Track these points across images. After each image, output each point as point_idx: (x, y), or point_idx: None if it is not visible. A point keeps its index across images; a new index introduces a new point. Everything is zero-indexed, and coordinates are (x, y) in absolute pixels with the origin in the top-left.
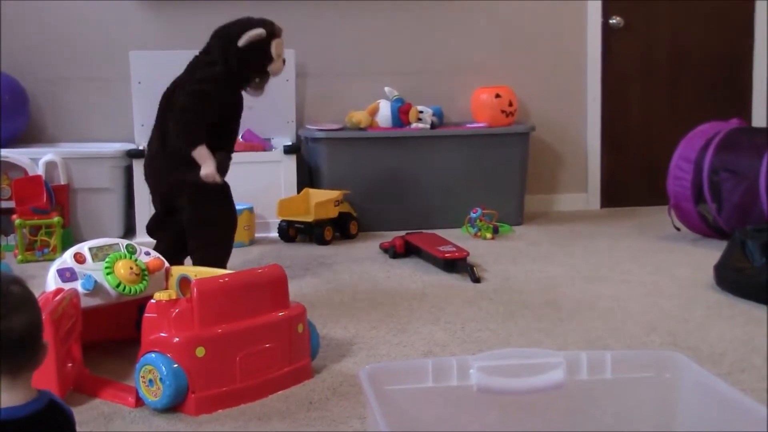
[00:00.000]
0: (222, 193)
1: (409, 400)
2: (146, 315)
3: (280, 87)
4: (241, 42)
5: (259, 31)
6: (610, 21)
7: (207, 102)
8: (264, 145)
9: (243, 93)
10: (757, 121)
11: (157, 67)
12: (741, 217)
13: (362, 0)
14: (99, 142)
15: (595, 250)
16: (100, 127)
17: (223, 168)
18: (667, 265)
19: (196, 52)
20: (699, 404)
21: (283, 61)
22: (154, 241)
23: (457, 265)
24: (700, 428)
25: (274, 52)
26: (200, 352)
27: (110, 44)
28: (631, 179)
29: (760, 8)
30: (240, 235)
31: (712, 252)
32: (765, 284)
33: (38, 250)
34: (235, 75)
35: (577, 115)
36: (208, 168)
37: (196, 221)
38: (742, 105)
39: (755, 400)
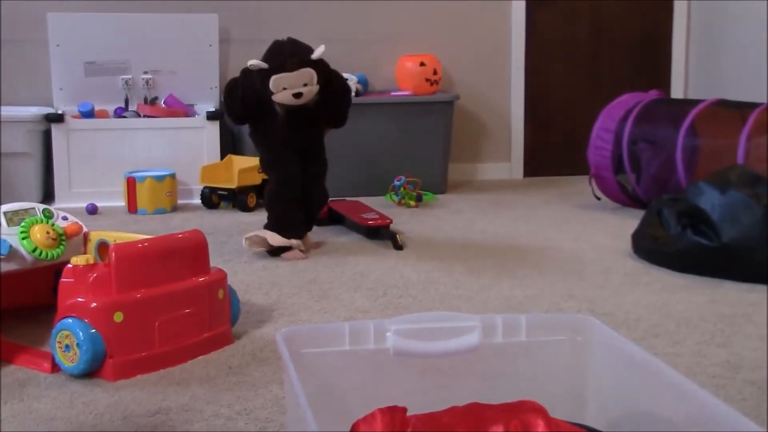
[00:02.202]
0: None
1: (326, 363)
2: (63, 280)
3: (204, 52)
4: (249, 64)
5: (259, 64)
6: None
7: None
8: (187, 111)
9: None
10: (676, 92)
11: (76, 29)
12: (659, 187)
13: None
14: (16, 106)
15: (516, 218)
16: (17, 90)
17: None
18: (587, 233)
19: (116, 15)
20: (610, 366)
21: (297, 95)
22: (72, 206)
23: (380, 232)
24: (610, 389)
25: (273, 86)
26: (118, 317)
27: (27, 6)
28: (553, 149)
29: None
30: (162, 201)
31: (630, 221)
32: (679, 252)
33: None
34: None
35: (501, 85)
36: None
37: None
38: (662, 77)
39: (666, 363)
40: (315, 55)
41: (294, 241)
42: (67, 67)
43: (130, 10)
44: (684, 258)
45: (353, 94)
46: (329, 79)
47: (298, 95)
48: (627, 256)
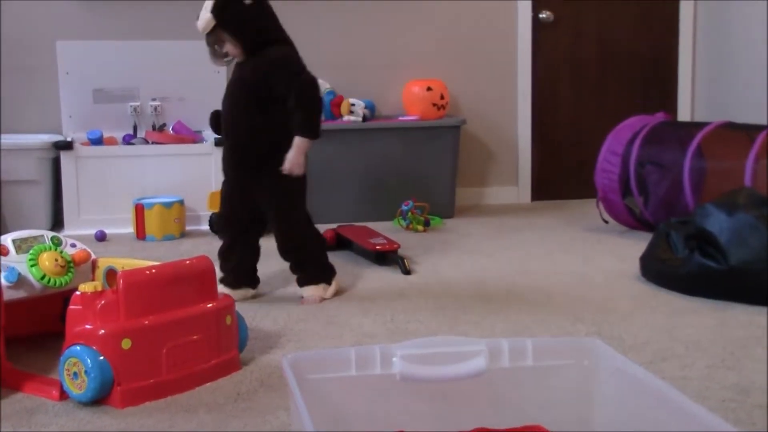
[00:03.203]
0: None
1: (333, 388)
2: (71, 307)
3: (211, 79)
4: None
5: None
6: (540, 15)
7: None
8: (195, 137)
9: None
10: (683, 115)
11: (85, 57)
12: (666, 210)
13: None
14: (26, 134)
15: (524, 242)
16: (27, 118)
17: None
18: (595, 256)
19: (125, 43)
20: (617, 390)
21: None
22: (81, 233)
23: (387, 257)
24: (618, 413)
25: None
26: (126, 344)
27: (38, 34)
28: (560, 173)
29: (684, 7)
30: (170, 227)
31: (638, 243)
32: (687, 275)
33: None
34: None
35: (508, 108)
36: None
37: None
38: (668, 100)
39: (675, 387)
40: None
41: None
42: (76, 95)
43: (139, 37)
44: (692, 281)
45: (360, 118)
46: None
47: (199, 17)
48: (635, 280)
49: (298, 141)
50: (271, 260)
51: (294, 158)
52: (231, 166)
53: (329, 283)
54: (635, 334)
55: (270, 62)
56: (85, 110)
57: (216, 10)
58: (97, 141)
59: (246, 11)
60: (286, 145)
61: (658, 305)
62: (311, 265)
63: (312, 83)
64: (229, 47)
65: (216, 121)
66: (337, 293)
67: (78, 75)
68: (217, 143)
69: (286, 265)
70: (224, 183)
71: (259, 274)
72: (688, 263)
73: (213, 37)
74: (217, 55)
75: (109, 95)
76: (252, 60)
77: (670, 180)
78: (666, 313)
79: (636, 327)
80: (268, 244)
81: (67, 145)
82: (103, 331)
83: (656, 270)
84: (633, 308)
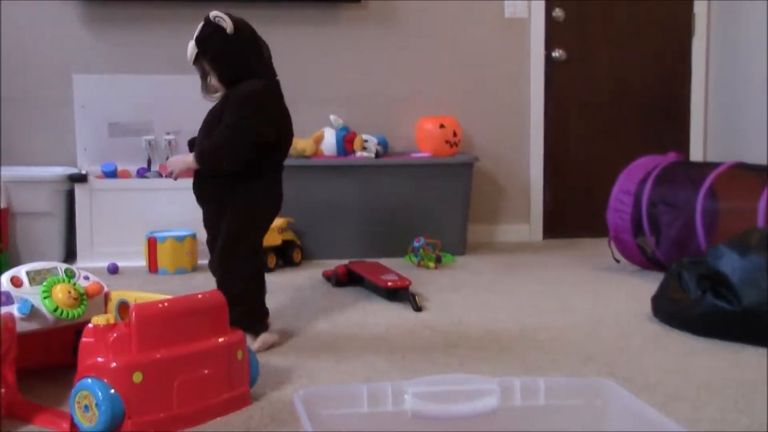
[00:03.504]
0: None
1: (345, 425)
2: (83, 339)
3: None
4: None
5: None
6: (553, 54)
7: None
8: None
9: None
10: (695, 155)
11: (100, 91)
12: (678, 250)
13: (308, 28)
14: (41, 166)
15: (536, 281)
16: (42, 151)
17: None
18: (606, 296)
19: (140, 77)
20: (629, 430)
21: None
22: (94, 266)
23: (399, 293)
24: None
25: None
26: (137, 377)
27: (53, 67)
28: (573, 211)
29: (697, 47)
30: (183, 261)
31: (650, 283)
32: (700, 316)
33: None
34: None
35: (521, 146)
36: None
37: None
38: (681, 140)
39: (687, 429)
40: (209, 16)
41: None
42: (91, 128)
43: (154, 71)
44: (704, 322)
45: (372, 155)
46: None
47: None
48: (647, 320)
49: (193, 154)
50: (280, 294)
51: (175, 160)
52: (196, 194)
53: (253, 333)
54: (647, 375)
55: (234, 93)
56: (100, 143)
57: (198, 39)
58: (112, 174)
59: (226, 42)
60: (247, 177)
61: (670, 346)
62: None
63: (244, 128)
64: (213, 79)
65: (192, 147)
66: (272, 347)
67: (93, 108)
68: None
69: (297, 297)
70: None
71: (268, 306)
72: (701, 304)
73: (199, 68)
74: (208, 90)
75: (124, 129)
76: (226, 92)
77: (682, 220)
78: (678, 353)
79: (648, 368)
80: (279, 279)
81: (82, 178)
82: (114, 364)
83: (668, 310)
84: (645, 349)
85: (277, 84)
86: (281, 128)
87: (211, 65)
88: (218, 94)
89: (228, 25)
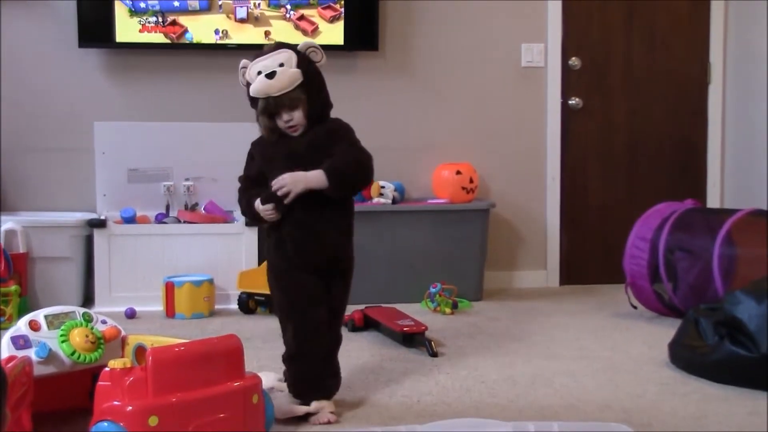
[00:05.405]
0: None
1: None
2: (100, 383)
3: (243, 160)
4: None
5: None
6: (569, 102)
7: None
8: (226, 217)
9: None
10: (712, 202)
11: (121, 137)
12: (696, 296)
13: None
14: (60, 212)
15: (552, 327)
16: (61, 196)
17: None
18: (623, 342)
19: (160, 124)
20: None
21: (270, 75)
22: (111, 310)
23: (415, 339)
24: None
25: (249, 75)
26: (153, 421)
27: (75, 115)
28: (590, 257)
29: (713, 95)
30: (200, 306)
31: (667, 330)
32: (717, 362)
33: None
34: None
35: (537, 192)
36: None
37: None
38: (697, 187)
39: None
40: (300, 46)
41: (323, 403)
42: (111, 174)
43: (173, 119)
44: (721, 368)
45: (389, 201)
46: (321, 101)
47: (270, 75)
48: (664, 366)
49: (317, 172)
50: None
51: (295, 178)
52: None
53: (305, 402)
54: (664, 422)
55: (330, 131)
56: (119, 189)
57: (303, 65)
58: (130, 219)
59: (320, 73)
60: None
61: (688, 393)
62: (287, 365)
63: (368, 156)
64: (297, 114)
65: (267, 200)
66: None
67: (113, 155)
68: (247, 223)
69: None
70: None
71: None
72: (718, 350)
73: (286, 99)
74: (273, 128)
75: (143, 175)
76: (308, 133)
77: (699, 267)
78: (695, 400)
79: (665, 415)
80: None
81: (101, 223)
82: (130, 407)
83: (685, 357)
84: (662, 395)
85: None
86: None
87: (309, 96)
88: (296, 132)
89: (321, 56)
